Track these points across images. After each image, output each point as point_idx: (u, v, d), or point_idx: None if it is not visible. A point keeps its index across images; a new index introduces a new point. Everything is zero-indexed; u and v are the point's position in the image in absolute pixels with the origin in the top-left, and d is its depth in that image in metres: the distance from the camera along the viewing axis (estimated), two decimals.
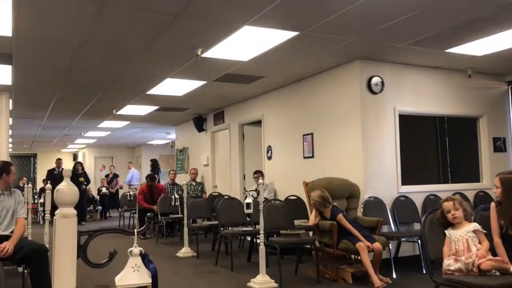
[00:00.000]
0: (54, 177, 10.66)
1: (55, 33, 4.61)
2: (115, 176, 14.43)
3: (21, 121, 10.52)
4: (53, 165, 12.12)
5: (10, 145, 11.56)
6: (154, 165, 12.69)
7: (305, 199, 5.83)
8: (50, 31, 4.55)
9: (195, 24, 4.41)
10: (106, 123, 11.22)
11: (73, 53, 5.27)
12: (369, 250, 4.60)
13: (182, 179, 9.56)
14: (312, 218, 5.03)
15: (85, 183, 11.66)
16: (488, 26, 4.67)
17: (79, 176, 11.39)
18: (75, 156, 19.74)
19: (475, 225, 3.23)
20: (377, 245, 4.65)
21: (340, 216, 4.88)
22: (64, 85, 6.85)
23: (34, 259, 3.72)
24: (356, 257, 5.04)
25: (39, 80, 6.58)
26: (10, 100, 7.57)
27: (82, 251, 2.01)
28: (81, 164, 12.25)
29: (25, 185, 6.73)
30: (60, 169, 11.53)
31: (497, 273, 2.94)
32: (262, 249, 4.73)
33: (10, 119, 8.56)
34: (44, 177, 15.71)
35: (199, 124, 10.27)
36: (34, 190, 12.98)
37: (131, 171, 14.48)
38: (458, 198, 3.36)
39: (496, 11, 4.26)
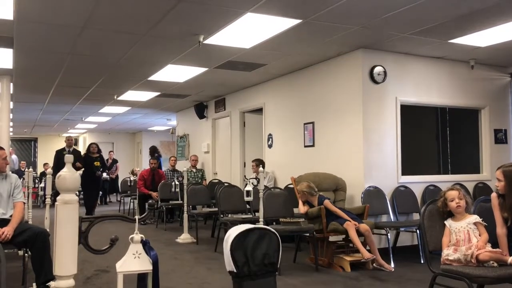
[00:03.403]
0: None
1: (57, 17, 4.58)
2: (115, 161, 14.24)
3: (22, 105, 10.51)
4: (53, 149, 10.68)
5: (11, 129, 11.51)
6: (154, 151, 12.33)
7: (296, 193, 5.86)
8: (51, 15, 4.52)
9: (198, 9, 4.37)
10: (107, 109, 11.21)
11: (75, 38, 5.24)
12: (356, 228, 4.85)
13: (182, 165, 9.58)
14: (301, 207, 5.26)
15: (101, 168, 9.86)
16: (492, 17, 4.64)
17: (94, 159, 9.67)
18: (75, 141, 19.75)
19: (476, 217, 3.24)
20: (363, 225, 4.92)
21: (327, 201, 5.19)
22: (65, 69, 6.83)
23: (36, 243, 3.74)
24: (353, 246, 5.08)
25: (40, 64, 6.55)
26: (11, 84, 7.54)
27: (83, 237, 2.03)
28: (97, 145, 10.04)
29: (26, 169, 6.74)
30: (71, 149, 9.91)
31: (495, 264, 2.96)
32: None
33: (11, 103, 8.55)
34: (45, 161, 15.78)
35: (200, 111, 10.26)
36: (35, 174, 13.02)
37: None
38: (461, 189, 3.37)
39: (500, 1, 4.23)
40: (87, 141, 17.75)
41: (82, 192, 9.89)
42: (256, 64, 6.62)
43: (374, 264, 4.84)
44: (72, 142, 10.00)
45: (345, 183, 5.80)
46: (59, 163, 9.31)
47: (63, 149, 9.77)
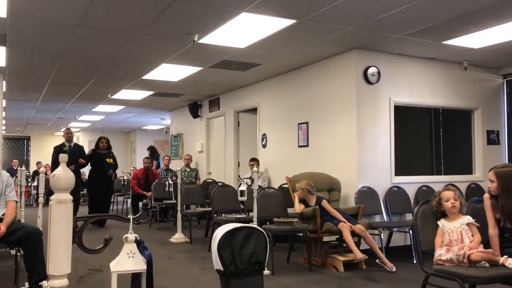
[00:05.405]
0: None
1: (50, 15, 4.56)
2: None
3: (14, 103, 10.45)
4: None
5: (3, 127, 11.41)
6: (153, 151, 12.09)
7: (290, 192, 5.86)
8: (45, 13, 4.50)
9: (192, 8, 4.37)
10: (101, 107, 11.16)
11: (69, 36, 5.22)
12: (351, 230, 4.88)
13: (176, 165, 9.56)
14: (297, 205, 5.24)
15: (113, 166, 8.48)
16: (485, 18, 4.67)
17: (104, 156, 8.37)
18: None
19: (469, 218, 3.26)
20: (358, 226, 4.94)
21: (325, 202, 5.23)
22: (59, 67, 6.79)
23: (29, 242, 3.71)
24: (346, 246, 5.10)
25: (34, 62, 6.51)
26: (4, 82, 7.50)
27: (77, 236, 2.02)
28: (107, 140, 8.57)
29: (18, 168, 6.68)
30: (71, 144, 8.37)
31: (487, 265, 2.98)
32: None
33: (4, 101, 8.49)
34: (38, 160, 15.67)
35: (194, 110, 10.24)
36: (27, 173, 12.93)
37: None
38: (456, 189, 3.39)
39: (494, 3, 4.26)
40: (80, 140, 17.67)
41: (88, 194, 8.88)
42: (250, 64, 6.62)
43: (377, 261, 4.85)
44: (72, 135, 8.47)
45: (340, 183, 5.80)
46: (58, 160, 8.54)
47: (63, 145, 8.34)
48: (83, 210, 8.99)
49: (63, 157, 1.95)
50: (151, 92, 9.04)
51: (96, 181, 8.33)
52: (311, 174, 5.83)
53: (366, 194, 5.72)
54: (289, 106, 7.11)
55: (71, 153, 7.91)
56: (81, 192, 10.43)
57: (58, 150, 8.12)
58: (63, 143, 8.39)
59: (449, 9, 4.40)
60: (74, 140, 8.92)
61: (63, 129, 16.47)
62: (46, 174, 5.36)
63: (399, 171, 6.04)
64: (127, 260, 2.35)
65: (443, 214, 3.32)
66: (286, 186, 6.46)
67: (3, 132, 8.88)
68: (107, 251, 2.45)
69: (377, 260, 4.86)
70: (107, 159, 8.32)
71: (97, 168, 8.35)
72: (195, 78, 7.58)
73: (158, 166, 10.81)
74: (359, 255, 4.68)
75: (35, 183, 11.62)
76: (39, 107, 11.07)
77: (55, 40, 5.41)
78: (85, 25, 4.84)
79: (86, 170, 9.29)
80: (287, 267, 5.11)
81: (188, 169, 9.60)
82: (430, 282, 3.16)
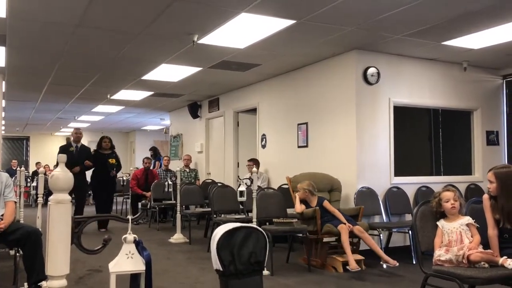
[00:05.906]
0: (71, 156, 7.17)
1: (50, 15, 4.56)
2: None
3: (14, 104, 10.44)
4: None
5: (3, 127, 11.39)
6: (155, 152, 11.79)
7: (291, 192, 5.86)
8: (44, 13, 4.50)
9: (192, 8, 4.37)
10: (100, 108, 11.16)
11: (68, 36, 5.22)
12: (350, 230, 4.86)
13: (175, 165, 9.56)
14: (298, 206, 5.21)
15: (116, 167, 8.08)
16: (485, 19, 4.67)
17: (107, 156, 8.00)
18: (68, 140, 19.58)
19: (468, 219, 3.26)
20: (357, 227, 4.92)
21: (326, 202, 5.21)
22: (59, 68, 6.79)
23: (28, 242, 3.71)
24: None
25: (33, 62, 6.51)
26: (3, 82, 7.50)
27: (76, 237, 2.02)
28: (110, 139, 8.22)
29: (18, 168, 6.65)
30: (79, 145, 7.89)
31: (486, 265, 2.98)
32: None
33: (3, 101, 8.49)
34: (38, 160, 15.66)
35: (194, 110, 10.23)
36: (27, 173, 12.92)
37: None
38: (456, 190, 3.39)
39: (494, 3, 4.26)
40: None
41: (92, 196, 8.89)
42: (250, 64, 6.62)
43: (381, 262, 4.83)
44: (80, 136, 8.00)
45: (341, 184, 5.78)
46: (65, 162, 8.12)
47: (69, 145, 7.92)
48: (88, 210, 8.95)
49: (62, 158, 1.94)
50: (150, 93, 9.03)
51: (99, 181, 8.03)
52: (311, 174, 5.81)
53: (366, 195, 5.72)
54: (288, 107, 7.11)
55: (78, 154, 7.64)
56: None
57: (63, 150, 7.68)
58: (70, 143, 8.02)
59: (449, 9, 4.40)
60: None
61: (62, 129, 16.53)
62: (45, 174, 5.36)
63: (398, 172, 6.04)
64: (126, 261, 2.35)
65: (443, 215, 3.32)
66: (285, 186, 6.46)
67: (3, 132, 8.87)
68: (106, 251, 2.45)
69: (381, 262, 4.84)
70: (110, 159, 7.99)
71: (99, 168, 8.02)
72: (195, 79, 7.58)
73: (160, 166, 10.80)
74: (353, 265, 4.56)
75: (34, 184, 11.60)
76: (39, 107, 11.06)
77: (55, 40, 5.41)
78: (85, 25, 4.84)
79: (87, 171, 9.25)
80: (287, 268, 5.11)
81: (187, 170, 9.60)
82: (429, 282, 3.16)
